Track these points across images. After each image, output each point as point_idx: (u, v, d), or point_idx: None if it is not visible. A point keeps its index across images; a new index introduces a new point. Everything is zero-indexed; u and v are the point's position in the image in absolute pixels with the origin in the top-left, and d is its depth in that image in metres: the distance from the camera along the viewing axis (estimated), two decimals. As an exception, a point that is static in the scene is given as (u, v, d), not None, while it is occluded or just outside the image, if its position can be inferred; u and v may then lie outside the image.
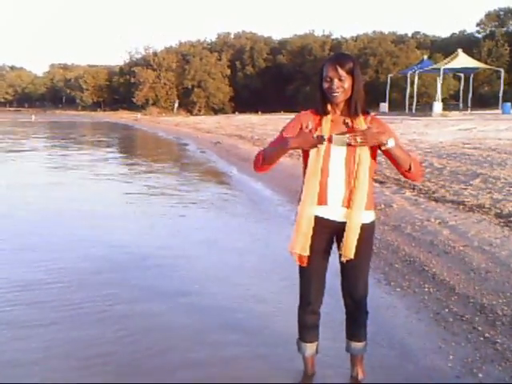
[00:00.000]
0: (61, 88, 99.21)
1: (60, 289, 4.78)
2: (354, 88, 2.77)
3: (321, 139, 2.72)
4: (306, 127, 2.76)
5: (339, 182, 2.81)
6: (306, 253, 2.86)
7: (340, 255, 2.91)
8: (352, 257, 2.83)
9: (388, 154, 2.77)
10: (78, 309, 4.30)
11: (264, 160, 2.89)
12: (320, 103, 2.84)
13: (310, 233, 2.85)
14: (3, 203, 9.17)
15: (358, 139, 2.67)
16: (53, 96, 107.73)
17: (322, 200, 2.83)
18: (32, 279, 5.03)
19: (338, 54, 2.95)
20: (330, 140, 2.77)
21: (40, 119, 57.00)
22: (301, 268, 2.96)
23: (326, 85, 2.76)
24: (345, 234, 2.82)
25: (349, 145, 2.73)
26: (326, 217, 2.85)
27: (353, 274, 2.96)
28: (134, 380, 3.23)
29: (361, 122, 2.80)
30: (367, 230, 2.87)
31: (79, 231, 7.02)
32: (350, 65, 2.75)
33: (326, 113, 2.83)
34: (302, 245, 2.85)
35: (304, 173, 2.89)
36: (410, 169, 2.80)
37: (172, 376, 3.26)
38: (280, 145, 2.84)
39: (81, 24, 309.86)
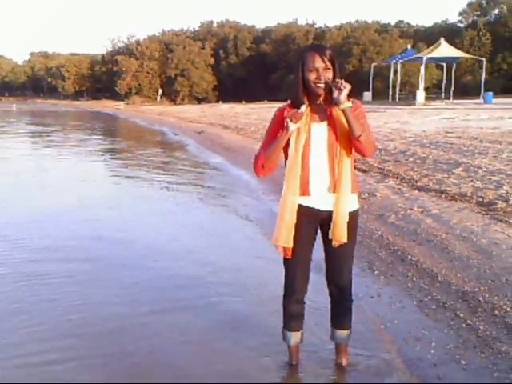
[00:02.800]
0: (42, 76, 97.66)
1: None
2: (335, 77, 2.75)
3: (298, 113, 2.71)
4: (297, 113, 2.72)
5: (323, 170, 2.81)
6: (290, 245, 2.86)
7: (325, 244, 2.93)
8: (345, 240, 2.83)
9: (344, 114, 2.69)
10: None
11: (266, 160, 2.83)
12: (299, 94, 2.79)
13: (293, 224, 2.84)
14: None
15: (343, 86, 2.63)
16: (34, 85, 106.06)
17: (304, 190, 2.83)
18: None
19: (315, 44, 2.97)
20: (309, 132, 2.79)
21: (23, 108, 56.32)
22: (285, 258, 2.96)
23: (312, 76, 2.72)
24: (333, 219, 2.81)
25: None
26: (309, 205, 2.85)
27: (337, 262, 2.98)
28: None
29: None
30: (351, 218, 2.88)
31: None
32: (330, 52, 2.75)
33: (303, 103, 2.80)
34: (285, 237, 2.85)
35: (286, 164, 2.89)
36: (359, 136, 2.70)
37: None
38: (278, 137, 2.79)
39: (62, 12, 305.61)
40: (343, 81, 2.66)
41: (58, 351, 3.45)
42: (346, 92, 2.65)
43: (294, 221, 2.84)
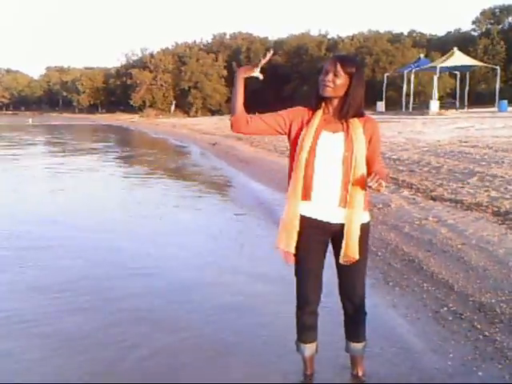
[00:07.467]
0: (57, 91, 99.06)
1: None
2: (349, 91, 2.76)
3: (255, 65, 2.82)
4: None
5: (334, 182, 2.79)
6: (291, 250, 2.86)
7: (336, 259, 2.91)
8: (357, 257, 2.81)
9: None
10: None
11: (234, 111, 2.83)
12: (314, 97, 2.86)
13: (296, 230, 2.83)
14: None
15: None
16: (49, 99, 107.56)
17: (306, 194, 2.81)
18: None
19: (347, 55, 3.01)
20: (316, 137, 2.79)
21: (37, 122, 57.00)
22: (296, 268, 2.95)
23: (321, 76, 2.79)
24: (345, 235, 2.79)
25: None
26: (315, 217, 2.83)
27: (350, 276, 2.95)
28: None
29: (355, 122, 2.81)
30: (364, 230, 2.86)
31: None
32: (352, 69, 2.75)
33: (317, 107, 2.85)
34: (286, 241, 2.85)
35: (291, 169, 2.89)
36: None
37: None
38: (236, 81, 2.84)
39: (77, 26, 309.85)
40: (379, 183, 2.60)
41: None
42: (382, 190, 2.65)
43: (297, 225, 2.83)
